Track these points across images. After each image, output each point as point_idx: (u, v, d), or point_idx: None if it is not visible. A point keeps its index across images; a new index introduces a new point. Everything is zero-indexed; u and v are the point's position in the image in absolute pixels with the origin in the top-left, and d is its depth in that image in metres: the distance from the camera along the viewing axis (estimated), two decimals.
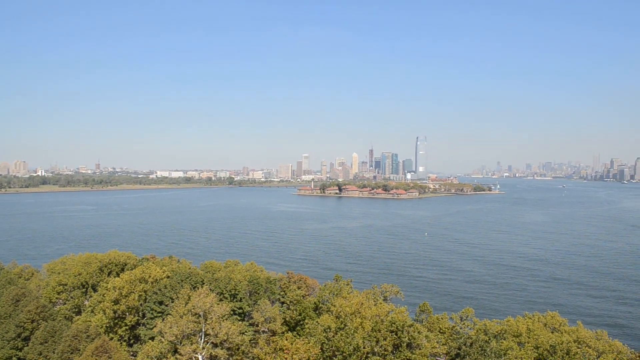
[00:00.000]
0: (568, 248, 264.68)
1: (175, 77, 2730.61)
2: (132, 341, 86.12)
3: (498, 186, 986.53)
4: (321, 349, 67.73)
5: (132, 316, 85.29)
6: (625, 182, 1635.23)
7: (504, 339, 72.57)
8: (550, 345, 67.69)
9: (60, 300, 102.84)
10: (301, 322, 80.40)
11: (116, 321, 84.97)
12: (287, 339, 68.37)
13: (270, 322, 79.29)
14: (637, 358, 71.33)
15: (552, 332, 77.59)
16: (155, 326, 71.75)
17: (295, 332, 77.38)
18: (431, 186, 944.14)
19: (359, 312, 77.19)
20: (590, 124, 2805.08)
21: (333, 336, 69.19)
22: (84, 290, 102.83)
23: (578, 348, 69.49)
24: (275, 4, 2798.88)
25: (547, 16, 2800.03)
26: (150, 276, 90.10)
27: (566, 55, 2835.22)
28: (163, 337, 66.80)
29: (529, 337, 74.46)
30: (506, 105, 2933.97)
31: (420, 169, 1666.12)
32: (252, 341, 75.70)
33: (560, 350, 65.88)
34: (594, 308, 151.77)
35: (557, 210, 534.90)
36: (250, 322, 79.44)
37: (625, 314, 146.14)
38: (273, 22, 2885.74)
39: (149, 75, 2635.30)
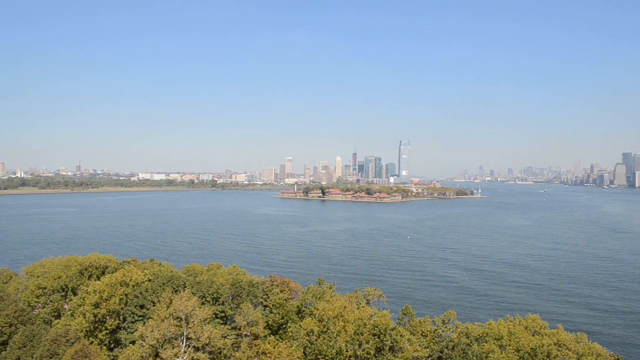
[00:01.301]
0: (549, 252, 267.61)
1: (158, 79, 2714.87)
2: (112, 345, 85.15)
3: (480, 190, 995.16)
4: (304, 352, 67.71)
5: (112, 320, 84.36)
6: (605, 187, 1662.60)
7: (486, 342, 73.18)
8: (531, 348, 68.43)
9: (40, 304, 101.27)
10: (284, 326, 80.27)
11: (96, 325, 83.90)
12: (269, 343, 68.24)
13: (252, 326, 79.00)
14: None
15: (533, 335, 78.35)
16: (136, 330, 71.11)
17: (277, 336, 77.21)
18: (414, 190, 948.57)
19: (342, 316, 77.24)
20: (571, 129, 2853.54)
21: (316, 340, 69.20)
22: (63, 293, 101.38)
23: (558, 351, 70.32)
24: (264, 8, 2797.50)
25: (530, 20, 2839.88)
26: (131, 279, 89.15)
27: (549, 61, 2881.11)
28: (144, 341, 66.25)
29: (510, 340, 75.12)
30: (489, 110, 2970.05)
31: (404, 172, 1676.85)
32: (234, 345, 75.37)
33: (541, 353, 66.65)
34: (574, 312, 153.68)
35: (538, 214, 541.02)
36: (232, 325, 79.08)
37: (604, 317, 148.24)
38: (260, 26, 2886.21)
39: (132, 78, 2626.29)
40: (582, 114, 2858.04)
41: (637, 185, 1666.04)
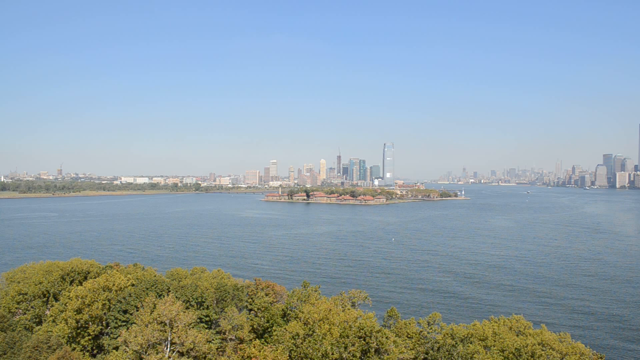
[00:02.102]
0: (532, 254, 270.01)
1: (141, 83, 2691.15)
2: (95, 351, 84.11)
3: (463, 192, 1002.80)
4: (289, 355, 67.44)
5: (95, 326, 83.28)
6: (587, 188, 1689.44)
7: (471, 343, 73.44)
8: (516, 349, 68.87)
9: (20, 310, 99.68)
10: (269, 329, 79.92)
11: (79, 331, 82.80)
12: (254, 347, 67.88)
13: (237, 330, 78.51)
14: (600, 359, 73.25)
15: (517, 336, 78.90)
16: (119, 335, 70.24)
17: (263, 340, 76.86)
18: (398, 192, 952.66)
19: (327, 318, 77.11)
20: (553, 131, 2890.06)
21: (301, 343, 68.98)
22: (45, 299, 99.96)
23: (542, 350, 70.84)
24: (245, 11, 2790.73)
25: (511, 21, 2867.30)
26: (114, 284, 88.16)
27: (531, 61, 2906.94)
28: (127, 346, 65.44)
29: (494, 341, 75.55)
30: (472, 112, 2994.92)
31: (388, 175, 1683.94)
32: (219, 349, 74.84)
33: (525, 353, 67.09)
34: (557, 312, 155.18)
35: (521, 215, 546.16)
36: (217, 330, 78.52)
37: (587, 317, 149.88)
38: (242, 29, 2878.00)
39: (114, 83, 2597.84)
40: (563, 115, 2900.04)
41: (617, 186, 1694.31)
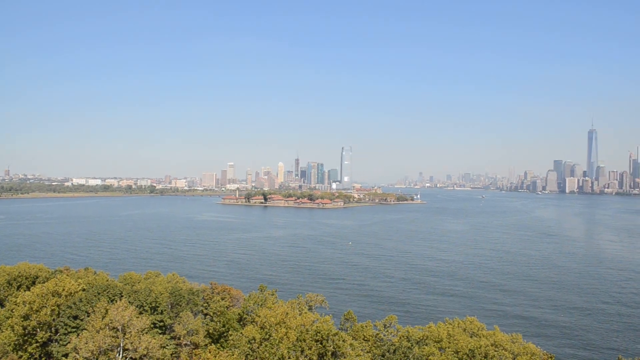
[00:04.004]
0: (485, 257, 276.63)
1: (98, 85, 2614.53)
2: (43, 359, 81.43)
3: (419, 196, 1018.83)
4: None
5: (43, 332, 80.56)
6: (538, 192, 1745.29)
7: (426, 345, 74.57)
8: (470, 350, 70.27)
9: None
10: (225, 334, 79.08)
11: (26, 338, 79.89)
12: (210, 352, 67.00)
13: (192, 335, 77.52)
14: (550, 359, 75.60)
15: (471, 337, 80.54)
16: (69, 342, 68.36)
17: (218, 344, 75.98)
18: (356, 196, 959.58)
19: (284, 322, 76.84)
20: (506, 136, 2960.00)
21: (258, 347, 68.47)
22: None
23: (495, 351, 72.56)
24: (209, 13, 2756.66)
25: (464, 21, 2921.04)
26: (64, 289, 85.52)
27: (488, 64, 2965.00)
28: (78, 353, 63.71)
29: (449, 342, 76.90)
30: (428, 116, 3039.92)
31: (346, 178, 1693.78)
32: (173, 355, 73.71)
33: (479, 354, 68.54)
34: (509, 312, 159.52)
35: (475, 219, 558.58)
36: (171, 335, 77.32)
37: (537, 317, 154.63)
38: (206, 31, 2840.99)
39: (68, 83, 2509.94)
40: (516, 121, 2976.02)
41: (567, 191, 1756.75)
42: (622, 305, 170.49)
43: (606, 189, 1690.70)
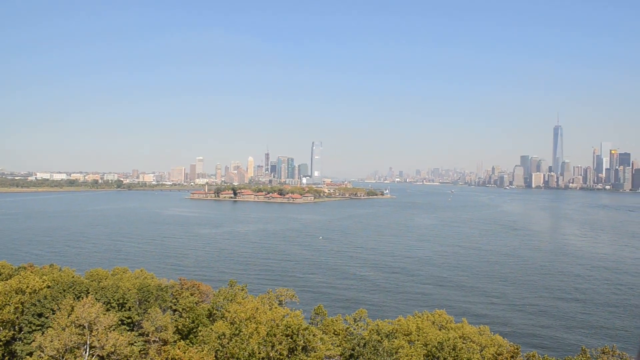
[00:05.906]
0: (453, 250, 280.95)
1: (69, 83, 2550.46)
2: (7, 358, 79.55)
3: (389, 191, 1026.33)
4: (215, 356, 66.55)
5: (7, 331, 78.75)
6: (506, 187, 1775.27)
7: (396, 338, 75.29)
8: (438, 342, 71.25)
9: None
10: (194, 330, 78.47)
11: None
12: (179, 348, 66.49)
13: (161, 331, 76.59)
14: (516, 350, 77.25)
15: (440, 330, 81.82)
16: (33, 340, 66.84)
17: (188, 340, 75.37)
18: (326, 190, 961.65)
19: (254, 317, 76.72)
20: (473, 132, 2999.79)
21: (228, 343, 68.20)
22: None
23: (463, 343, 73.86)
24: (179, 8, 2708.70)
25: (434, 13, 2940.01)
26: (28, 286, 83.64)
27: (458, 56, 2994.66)
28: (43, 352, 62.41)
29: (418, 335, 77.93)
30: (397, 111, 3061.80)
31: (316, 173, 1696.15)
32: (142, 352, 72.79)
33: (447, 347, 69.51)
34: (477, 305, 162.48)
35: (444, 213, 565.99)
36: (140, 332, 76.29)
37: (504, 310, 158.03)
38: (175, 26, 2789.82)
39: (37, 81, 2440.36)
40: (484, 116, 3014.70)
41: (533, 185, 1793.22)
42: (581, 296, 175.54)
43: (571, 184, 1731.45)
